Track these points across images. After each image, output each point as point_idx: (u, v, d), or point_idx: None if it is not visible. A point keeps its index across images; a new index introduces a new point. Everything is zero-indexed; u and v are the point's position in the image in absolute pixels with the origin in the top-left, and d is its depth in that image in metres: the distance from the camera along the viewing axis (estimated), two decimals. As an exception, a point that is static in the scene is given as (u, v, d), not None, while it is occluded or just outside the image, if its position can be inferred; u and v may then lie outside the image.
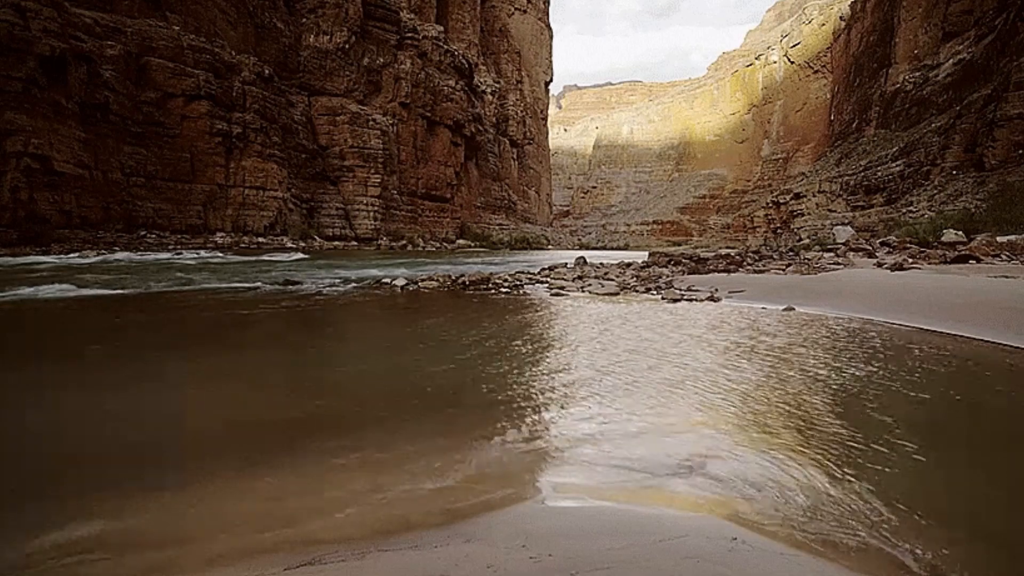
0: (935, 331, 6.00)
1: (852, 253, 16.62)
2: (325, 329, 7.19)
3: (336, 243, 47.64)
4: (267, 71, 46.19)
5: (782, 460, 2.64)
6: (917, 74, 62.34)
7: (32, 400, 3.66)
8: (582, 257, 19.50)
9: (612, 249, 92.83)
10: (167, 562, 1.84)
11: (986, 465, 2.69)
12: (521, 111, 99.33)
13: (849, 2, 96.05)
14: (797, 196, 70.88)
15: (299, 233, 44.84)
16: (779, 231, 71.77)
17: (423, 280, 12.36)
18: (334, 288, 11.30)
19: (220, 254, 27.72)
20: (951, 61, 56.95)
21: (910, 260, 13.05)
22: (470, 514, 2.15)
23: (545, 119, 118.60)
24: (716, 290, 9.76)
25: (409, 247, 50.66)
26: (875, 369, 4.36)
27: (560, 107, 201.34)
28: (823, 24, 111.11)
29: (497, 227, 77.10)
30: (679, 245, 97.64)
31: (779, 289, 9.81)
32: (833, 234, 26.25)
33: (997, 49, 46.83)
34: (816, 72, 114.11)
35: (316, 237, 46.38)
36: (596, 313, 7.74)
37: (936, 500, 2.27)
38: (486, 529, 2.02)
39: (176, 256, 25.08)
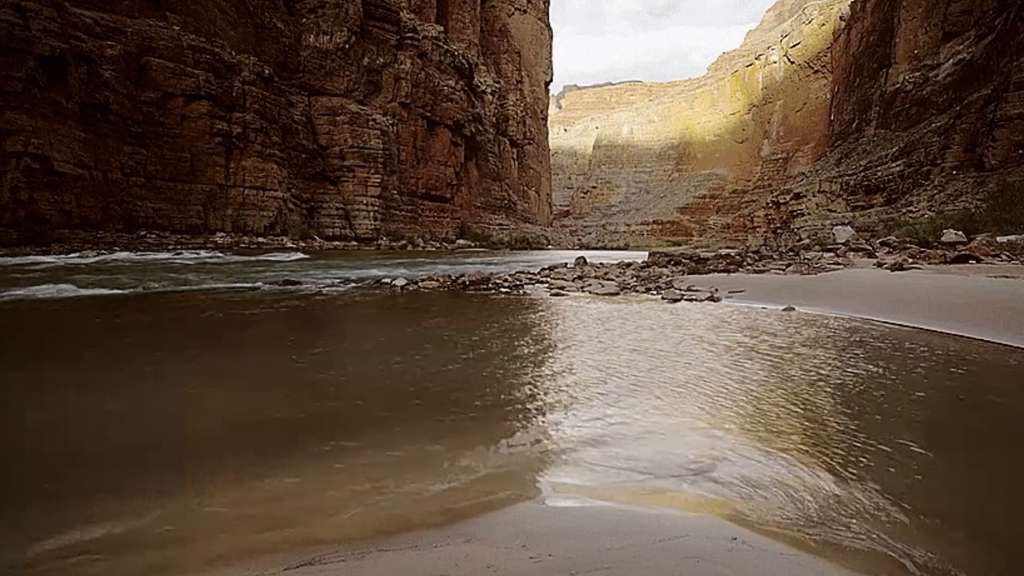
0: (935, 331, 6.01)
1: (852, 253, 16.61)
2: (325, 329, 7.19)
3: (336, 243, 47.64)
4: (267, 71, 46.18)
5: (783, 460, 2.64)
6: (917, 74, 62.33)
7: (32, 400, 3.66)
8: (582, 257, 19.48)
9: (612, 249, 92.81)
10: (167, 562, 1.84)
11: (987, 465, 2.69)
12: (521, 111, 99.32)
13: (849, 2, 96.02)
14: (797, 196, 70.87)
15: (299, 233, 44.84)
16: (779, 231, 71.76)
17: (423, 280, 12.36)
18: (334, 288, 11.30)
19: (220, 254, 27.71)
20: (951, 61, 56.94)
21: (910, 260, 13.04)
22: (470, 514, 2.15)
23: (545, 119, 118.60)
24: (716, 290, 9.76)
25: (409, 247, 50.65)
26: (876, 369, 4.36)
27: (560, 107, 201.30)
28: (823, 24, 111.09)
29: (497, 227, 77.09)
30: (679, 245, 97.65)
31: (779, 289, 9.81)
32: (833, 234, 26.22)
33: (997, 49, 46.82)
34: (816, 72, 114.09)
35: (316, 237, 46.38)
36: (596, 313, 7.74)
37: (937, 499, 2.27)
38: (486, 529, 2.02)
39: (176, 256, 25.07)
